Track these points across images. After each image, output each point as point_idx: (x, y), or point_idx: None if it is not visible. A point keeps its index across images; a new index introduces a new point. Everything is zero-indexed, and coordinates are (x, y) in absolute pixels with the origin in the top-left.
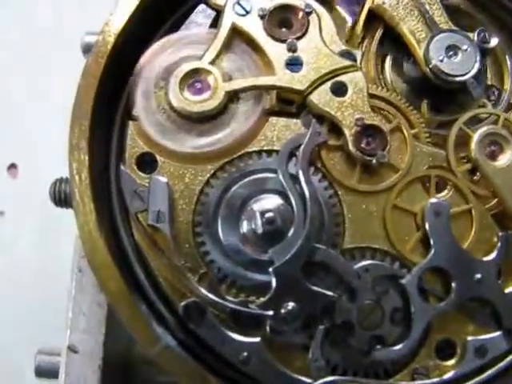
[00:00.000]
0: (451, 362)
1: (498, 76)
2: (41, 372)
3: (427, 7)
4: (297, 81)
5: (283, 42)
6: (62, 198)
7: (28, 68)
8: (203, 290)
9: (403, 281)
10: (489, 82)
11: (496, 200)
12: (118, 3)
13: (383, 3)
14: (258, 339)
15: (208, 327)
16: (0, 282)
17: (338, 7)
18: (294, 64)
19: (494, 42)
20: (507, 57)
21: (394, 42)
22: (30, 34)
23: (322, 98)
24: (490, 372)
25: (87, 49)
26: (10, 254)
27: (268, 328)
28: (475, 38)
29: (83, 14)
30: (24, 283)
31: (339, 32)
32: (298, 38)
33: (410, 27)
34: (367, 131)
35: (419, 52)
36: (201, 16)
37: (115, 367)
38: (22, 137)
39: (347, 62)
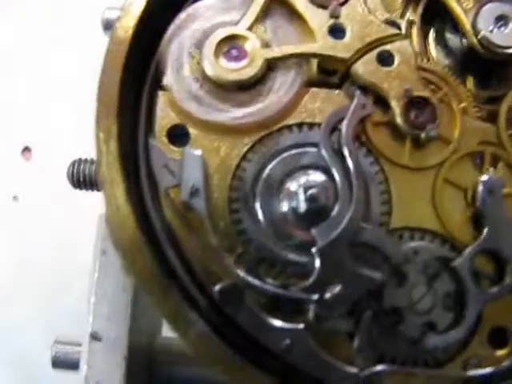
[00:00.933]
0: (505, 350)
1: None
2: (58, 363)
3: None
4: (340, 49)
5: (325, 8)
6: (80, 179)
7: (41, 49)
8: (241, 272)
9: (455, 263)
10: None
11: None
12: None
13: None
14: (301, 326)
15: (246, 313)
16: (14, 269)
17: None
18: (336, 31)
19: None
20: None
21: (437, 14)
22: (44, 13)
23: (366, 67)
24: None
25: (108, 25)
26: (25, 240)
27: (312, 314)
28: None
29: None
30: (39, 269)
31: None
32: (341, 4)
33: None
34: (416, 103)
35: (466, 23)
36: None
37: (140, 358)
38: (35, 120)
39: (394, 31)
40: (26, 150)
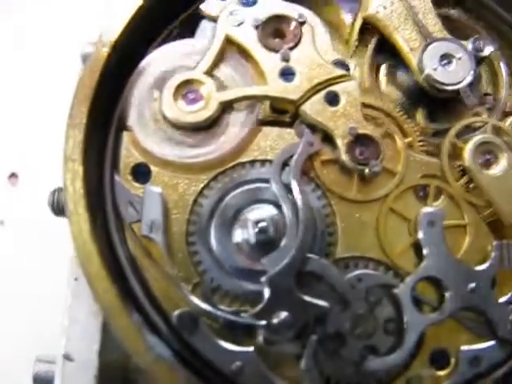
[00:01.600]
0: (445, 371)
1: (493, 84)
2: (38, 380)
3: (421, 16)
4: (290, 91)
5: (276, 52)
6: (60, 207)
7: (28, 79)
8: (196, 300)
9: (396, 290)
10: (484, 90)
11: (491, 209)
12: (114, 13)
13: (377, 12)
14: (251, 349)
15: (201, 337)
16: (0, 292)
17: (336, 5)
18: (287, 74)
19: (488, 50)
20: (502, 65)
21: (388, 51)
22: (29, 44)
23: (314, 107)
24: (485, 382)
25: (86, 58)
26: (11, 262)
27: (261, 338)
28: (469, 47)
29: (83, 24)
30: (23, 291)
31: (335, 34)
32: (291, 48)
33: (404, 36)
34: (360, 140)
35: (413, 61)
36: (196, 27)
37: (112, 377)
38: (22, 147)
39: (340, 72)
40: (13, 176)
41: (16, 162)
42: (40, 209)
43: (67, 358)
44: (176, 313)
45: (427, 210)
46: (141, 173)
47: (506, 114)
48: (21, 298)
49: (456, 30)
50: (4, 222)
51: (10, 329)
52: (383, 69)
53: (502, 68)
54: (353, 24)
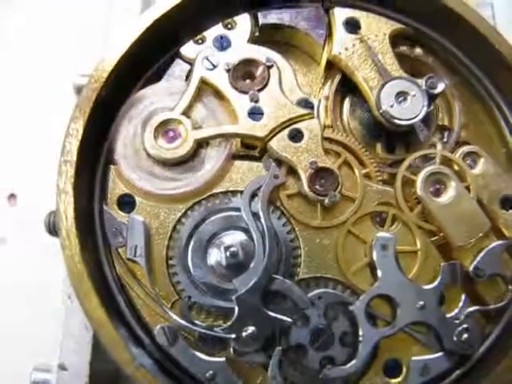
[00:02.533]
0: (398, 379)
1: (448, 117)
2: None
3: (380, 57)
4: (258, 129)
5: (246, 93)
6: (55, 228)
7: (29, 107)
8: (175, 316)
9: (352, 307)
10: (440, 123)
11: (441, 234)
12: (103, 56)
13: (339, 54)
14: (222, 359)
15: (179, 348)
16: (1, 304)
17: (307, 32)
18: (255, 113)
19: (440, 87)
20: (455, 100)
21: (351, 88)
22: (29, 74)
23: (280, 143)
24: None
25: (79, 90)
26: (12, 277)
27: (231, 349)
28: (423, 84)
29: (77, 55)
30: (23, 306)
31: (307, 63)
32: (260, 90)
33: (363, 75)
34: (321, 173)
35: (372, 98)
36: (176, 69)
37: None
38: (21, 170)
39: (303, 111)
40: (12, 196)
41: (15, 184)
42: (37, 227)
43: (62, 367)
44: (157, 327)
45: (381, 234)
46: (126, 203)
47: (459, 145)
48: (20, 312)
49: (412, 68)
50: (6, 240)
51: (10, 340)
52: (346, 104)
53: (456, 103)
54: (319, 64)
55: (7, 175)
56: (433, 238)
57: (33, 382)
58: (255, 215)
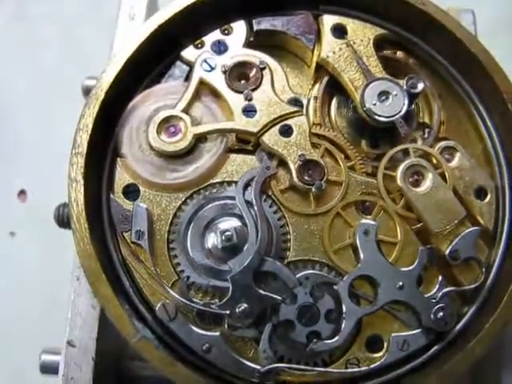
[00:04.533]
0: (379, 354)
1: (428, 115)
2: (45, 368)
3: (364, 59)
4: (251, 125)
5: (241, 92)
6: (64, 220)
7: (38, 106)
8: (175, 294)
9: (336, 286)
10: (421, 120)
11: (421, 222)
12: (111, 58)
13: (327, 57)
14: (217, 333)
15: (178, 323)
16: (11, 294)
17: (297, 37)
18: (249, 111)
19: (420, 87)
20: (435, 99)
21: (338, 88)
22: (38, 76)
23: (271, 138)
24: (412, 364)
25: (87, 91)
26: (21, 269)
27: (226, 324)
28: (404, 85)
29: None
30: (31, 294)
31: (298, 66)
32: (254, 90)
33: (349, 76)
34: (308, 165)
35: (356, 97)
36: (177, 70)
37: (109, 361)
38: (31, 167)
39: (293, 109)
40: (22, 192)
41: (25, 181)
42: (46, 221)
43: (70, 344)
44: (159, 304)
45: (364, 221)
46: (131, 192)
47: (438, 140)
48: (28, 300)
49: (394, 69)
50: (15, 234)
51: (22, 326)
52: (334, 103)
53: (435, 102)
54: (308, 66)
55: (17, 172)
56: (413, 226)
57: (42, 364)
58: (249, 203)
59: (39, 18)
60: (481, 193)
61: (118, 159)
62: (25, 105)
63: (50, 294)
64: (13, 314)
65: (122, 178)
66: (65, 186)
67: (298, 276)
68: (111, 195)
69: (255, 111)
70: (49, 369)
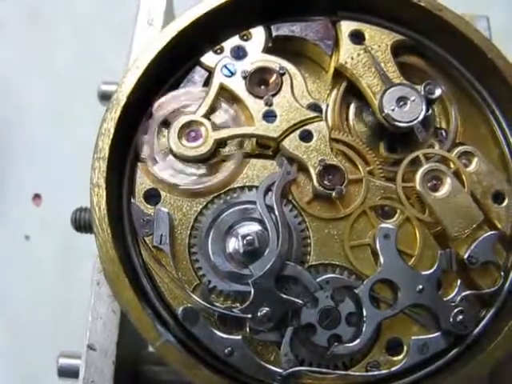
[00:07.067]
0: (399, 357)
1: (445, 120)
2: (63, 372)
3: (382, 65)
4: (271, 130)
5: (261, 98)
6: (81, 224)
7: (53, 111)
8: (197, 298)
9: (357, 290)
10: (438, 125)
11: (439, 226)
12: (131, 64)
13: (345, 63)
14: (239, 337)
15: (200, 327)
16: (27, 298)
17: (316, 43)
18: (269, 116)
19: (437, 92)
20: (452, 104)
21: (356, 94)
22: (53, 79)
23: (292, 143)
24: (432, 367)
25: (103, 96)
26: (35, 272)
27: (247, 328)
28: (422, 90)
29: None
30: (47, 299)
31: (316, 71)
32: (274, 95)
33: (367, 82)
34: (328, 170)
35: (375, 102)
36: (197, 76)
37: (127, 365)
38: (45, 171)
39: (313, 114)
40: (37, 196)
41: (40, 185)
42: (61, 226)
43: (91, 347)
44: (180, 308)
45: (383, 225)
46: (152, 196)
47: (455, 145)
48: (44, 305)
49: (412, 75)
50: (30, 238)
51: (37, 330)
52: (352, 108)
53: (452, 107)
54: (327, 72)
55: (33, 176)
56: (432, 230)
57: (59, 368)
58: (269, 208)
59: (53, 19)
60: (498, 197)
61: (139, 164)
62: (39, 108)
63: (65, 297)
64: (27, 317)
65: (142, 183)
66: (79, 190)
67: (318, 280)
68: (132, 200)
69: (275, 116)
70: (66, 373)
